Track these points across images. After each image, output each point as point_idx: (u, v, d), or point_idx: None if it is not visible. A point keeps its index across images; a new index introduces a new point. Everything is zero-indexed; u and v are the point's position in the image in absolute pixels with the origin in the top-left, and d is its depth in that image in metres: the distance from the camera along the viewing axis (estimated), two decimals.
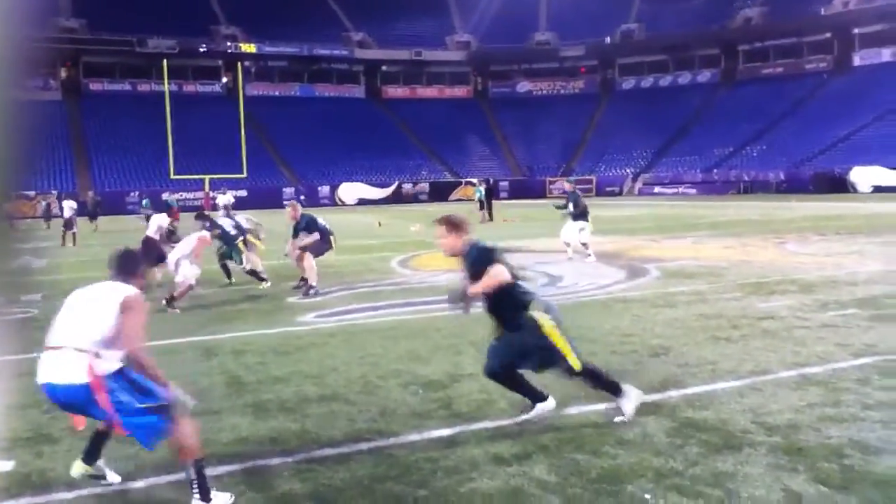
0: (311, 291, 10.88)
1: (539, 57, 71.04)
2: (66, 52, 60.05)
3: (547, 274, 12.41)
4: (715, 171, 53.80)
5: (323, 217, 12.08)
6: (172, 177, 45.92)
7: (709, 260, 13.55)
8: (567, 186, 16.15)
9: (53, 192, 41.59)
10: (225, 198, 30.00)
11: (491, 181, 39.77)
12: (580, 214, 14.50)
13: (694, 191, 51.45)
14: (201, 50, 63.30)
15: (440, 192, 55.21)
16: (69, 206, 24.69)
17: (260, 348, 7.40)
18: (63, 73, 61.67)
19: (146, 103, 55.54)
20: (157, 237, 12.11)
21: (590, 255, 14.19)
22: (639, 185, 56.50)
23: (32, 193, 41.77)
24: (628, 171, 58.41)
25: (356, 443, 4.65)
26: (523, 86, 71.98)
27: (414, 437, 4.72)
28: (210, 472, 3.93)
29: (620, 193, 55.68)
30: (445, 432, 4.76)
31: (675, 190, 52.74)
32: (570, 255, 14.38)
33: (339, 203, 52.04)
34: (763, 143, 54.55)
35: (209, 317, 9.55)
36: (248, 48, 64.62)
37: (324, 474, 4.16)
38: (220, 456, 4.46)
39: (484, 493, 3.83)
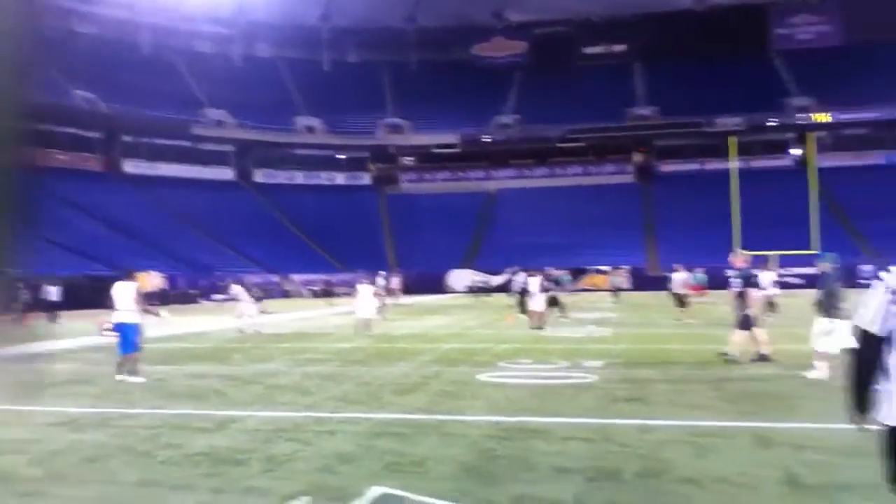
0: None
1: None
2: (640, 137, 65.21)
3: None
4: None
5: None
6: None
7: None
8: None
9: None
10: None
11: None
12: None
13: None
14: (770, 124, 62.17)
15: None
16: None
17: (825, 445, 6.34)
18: (637, 158, 66.92)
19: (713, 181, 56.43)
20: None
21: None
22: None
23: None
24: None
25: None
26: None
27: None
28: None
29: None
30: None
31: None
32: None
33: None
34: None
35: (766, 401, 8.70)
36: (822, 118, 61.22)
37: None
38: None
39: None
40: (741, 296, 11.88)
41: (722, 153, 57.27)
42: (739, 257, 12.34)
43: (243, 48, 73.83)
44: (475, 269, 52.72)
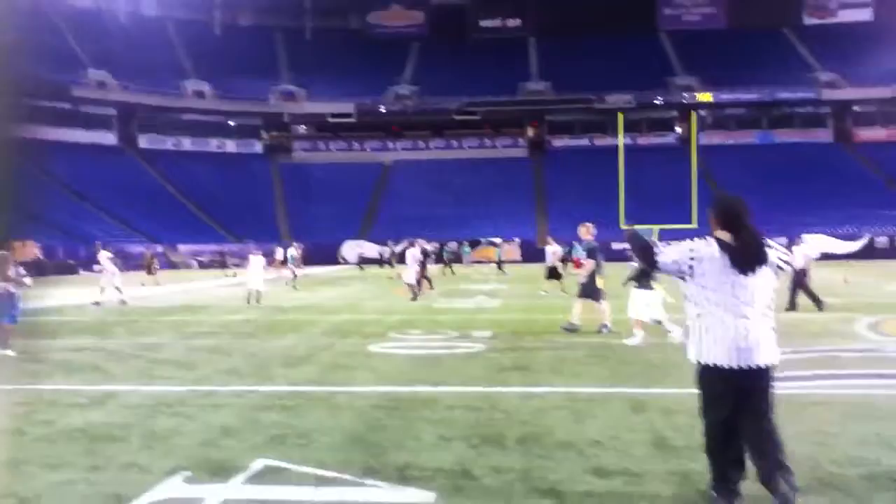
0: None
1: None
2: (532, 112, 66.35)
3: None
4: None
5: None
6: (622, 226, 47.01)
7: None
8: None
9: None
10: None
11: None
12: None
13: None
14: (656, 102, 64.49)
15: None
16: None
17: (693, 409, 6.73)
18: (530, 132, 68.10)
19: (602, 156, 58.11)
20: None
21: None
22: None
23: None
24: None
25: None
26: None
27: None
28: None
29: None
30: None
31: None
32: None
33: None
34: None
35: (640, 368, 9.14)
36: (705, 97, 63.98)
37: None
38: None
39: None
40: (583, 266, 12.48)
41: (611, 129, 59.06)
42: (583, 228, 12.50)
43: (129, 6, 70.25)
44: (369, 241, 52.55)
